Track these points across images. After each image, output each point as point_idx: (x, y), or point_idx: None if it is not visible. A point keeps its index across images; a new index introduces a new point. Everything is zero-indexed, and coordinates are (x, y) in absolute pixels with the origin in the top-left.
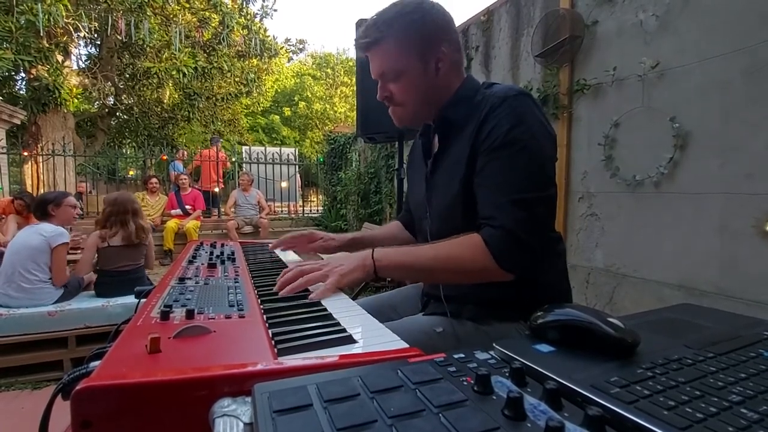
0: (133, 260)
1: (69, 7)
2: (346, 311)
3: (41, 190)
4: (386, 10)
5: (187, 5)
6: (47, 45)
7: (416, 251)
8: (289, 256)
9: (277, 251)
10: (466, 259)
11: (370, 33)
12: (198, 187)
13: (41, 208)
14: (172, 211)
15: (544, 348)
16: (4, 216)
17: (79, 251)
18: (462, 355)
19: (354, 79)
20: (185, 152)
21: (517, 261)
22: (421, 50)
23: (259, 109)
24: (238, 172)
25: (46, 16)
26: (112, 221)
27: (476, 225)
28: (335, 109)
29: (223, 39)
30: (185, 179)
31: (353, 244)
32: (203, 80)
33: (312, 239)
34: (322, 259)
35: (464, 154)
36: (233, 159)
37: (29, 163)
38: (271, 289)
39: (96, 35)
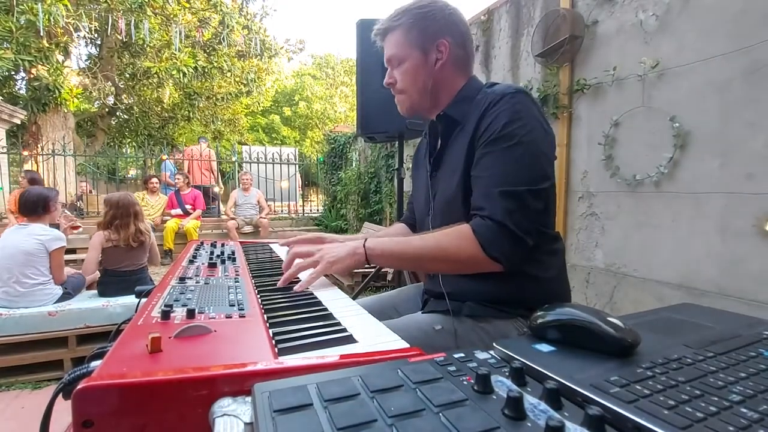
0: (136, 260)
1: (69, 6)
2: (346, 311)
3: None
4: (404, 5)
5: (188, 5)
6: (47, 45)
7: (407, 240)
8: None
9: (278, 250)
10: (454, 248)
11: (385, 21)
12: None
13: (42, 205)
14: (172, 211)
15: (544, 347)
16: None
17: (81, 229)
18: (462, 355)
19: (354, 79)
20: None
21: (503, 251)
22: (423, 41)
23: (259, 108)
24: (239, 171)
25: (47, 16)
26: (116, 225)
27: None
28: (335, 108)
29: (223, 39)
30: (178, 179)
31: None
32: (203, 80)
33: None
34: None
35: (463, 150)
36: (233, 159)
37: (29, 162)
38: (272, 289)
39: (96, 35)
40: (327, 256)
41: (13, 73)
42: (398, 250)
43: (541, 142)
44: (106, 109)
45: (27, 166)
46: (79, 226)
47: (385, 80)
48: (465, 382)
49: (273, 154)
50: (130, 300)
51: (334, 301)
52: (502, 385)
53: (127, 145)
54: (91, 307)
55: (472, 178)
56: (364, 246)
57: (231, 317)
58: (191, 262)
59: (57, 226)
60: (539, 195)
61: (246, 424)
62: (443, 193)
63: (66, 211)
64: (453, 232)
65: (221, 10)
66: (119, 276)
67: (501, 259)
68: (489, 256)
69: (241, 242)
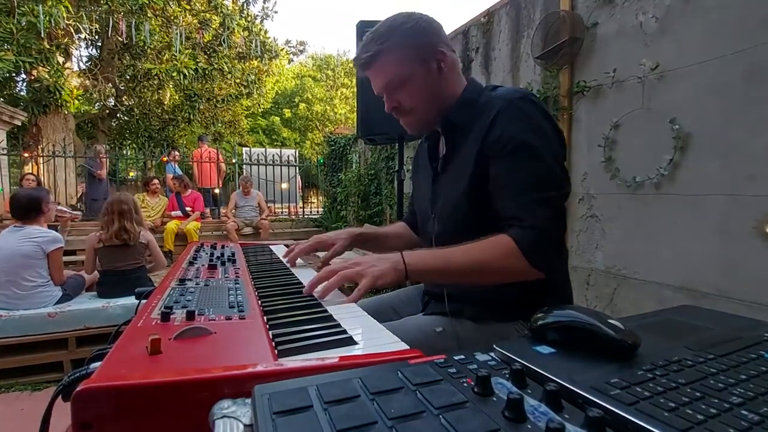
0: (130, 260)
1: (70, 8)
2: (346, 312)
3: None
4: (379, 27)
5: (188, 7)
6: (48, 46)
7: (447, 254)
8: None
9: (278, 252)
10: (498, 261)
11: (369, 48)
12: (197, 185)
13: (35, 206)
14: (173, 213)
15: (545, 349)
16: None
17: (80, 215)
18: (462, 357)
19: (354, 81)
20: (177, 153)
21: (548, 259)
22: (421, 53)
23: (259, 110)
24: (238, 175)
25: (47, 18)
26: (105, 221)
27: (485, 226)
28: (335, 110)
29: (223, 40)
30: (175, 183)
31: (360, 240)
32: (204, 82)
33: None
34: (319, 257)
35: (471, 157)
36: (234, 160)
37: (30, 164)
38: (272, 291)
39: (97, 37)
40: (372, 270)
41: (13, 74)
42: (440, 266)
43: (554, 145)
44: (107, 111)
45: (27, 168)
46: (77, 216)
47: (388, 106)
48: (465, 384)
49: (273, 155)
50: (130, 301)
51: (334, 302)
52: (503, 387)
53: (128, 147)
54: (91, 308)
55: (492, 189)
56: (403, 261)
57: (231, 319)
58: (191, 263)
59: (55, 227)
60: (565, 199)
61: (246, 426)
62: (448, 197)
63: (59, 206)
64: (493, 244)
65: (222, 11)
66: (116, 275)
67: (544, 267)
68: (534, 266)
69: (241, 244)
